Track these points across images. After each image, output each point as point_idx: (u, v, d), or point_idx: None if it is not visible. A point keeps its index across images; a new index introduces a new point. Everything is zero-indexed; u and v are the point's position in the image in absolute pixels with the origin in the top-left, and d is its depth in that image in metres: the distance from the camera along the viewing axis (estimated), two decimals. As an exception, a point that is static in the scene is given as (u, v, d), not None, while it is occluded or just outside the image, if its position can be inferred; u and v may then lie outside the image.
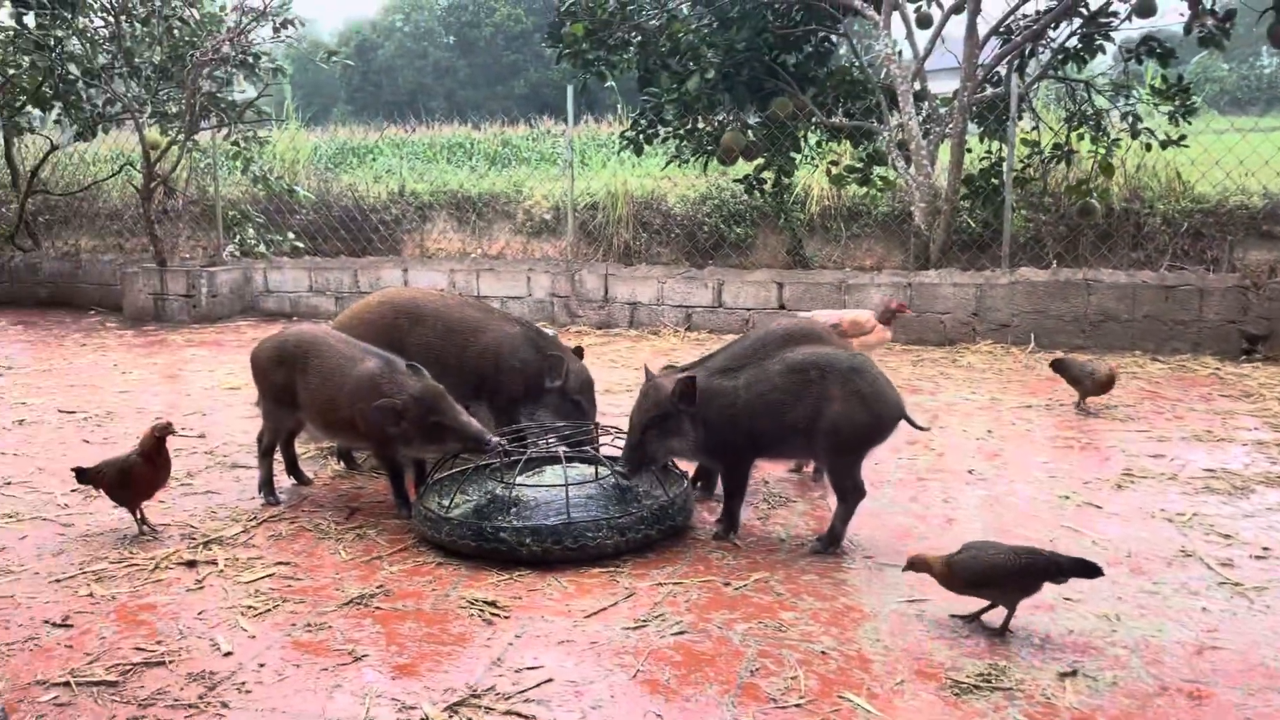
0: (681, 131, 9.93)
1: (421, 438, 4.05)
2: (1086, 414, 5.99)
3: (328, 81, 48.23)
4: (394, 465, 4.29)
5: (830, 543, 3.94)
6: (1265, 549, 3.89)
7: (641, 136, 9.99)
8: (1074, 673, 2.97)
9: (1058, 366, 6.12)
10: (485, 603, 3.46)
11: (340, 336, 4.45)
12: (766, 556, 3.90)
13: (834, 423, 3.81)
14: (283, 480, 4.78)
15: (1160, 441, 5.41)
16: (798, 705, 2.81)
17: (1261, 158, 8.69)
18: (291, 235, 11.24)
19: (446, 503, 4.09)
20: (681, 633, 3.25)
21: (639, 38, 9.54)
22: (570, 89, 9.68)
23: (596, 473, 4.29)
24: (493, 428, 4.66)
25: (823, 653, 3.12)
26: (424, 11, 53.37)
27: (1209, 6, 8.74)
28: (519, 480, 4.16)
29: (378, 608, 3.44)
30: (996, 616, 3.27)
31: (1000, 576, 3.19)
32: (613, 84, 11.01)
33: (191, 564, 3.83)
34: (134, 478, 4.03)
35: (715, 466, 4.26)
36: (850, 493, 3.93)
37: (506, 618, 3.36)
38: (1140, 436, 5.50)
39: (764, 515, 4.35)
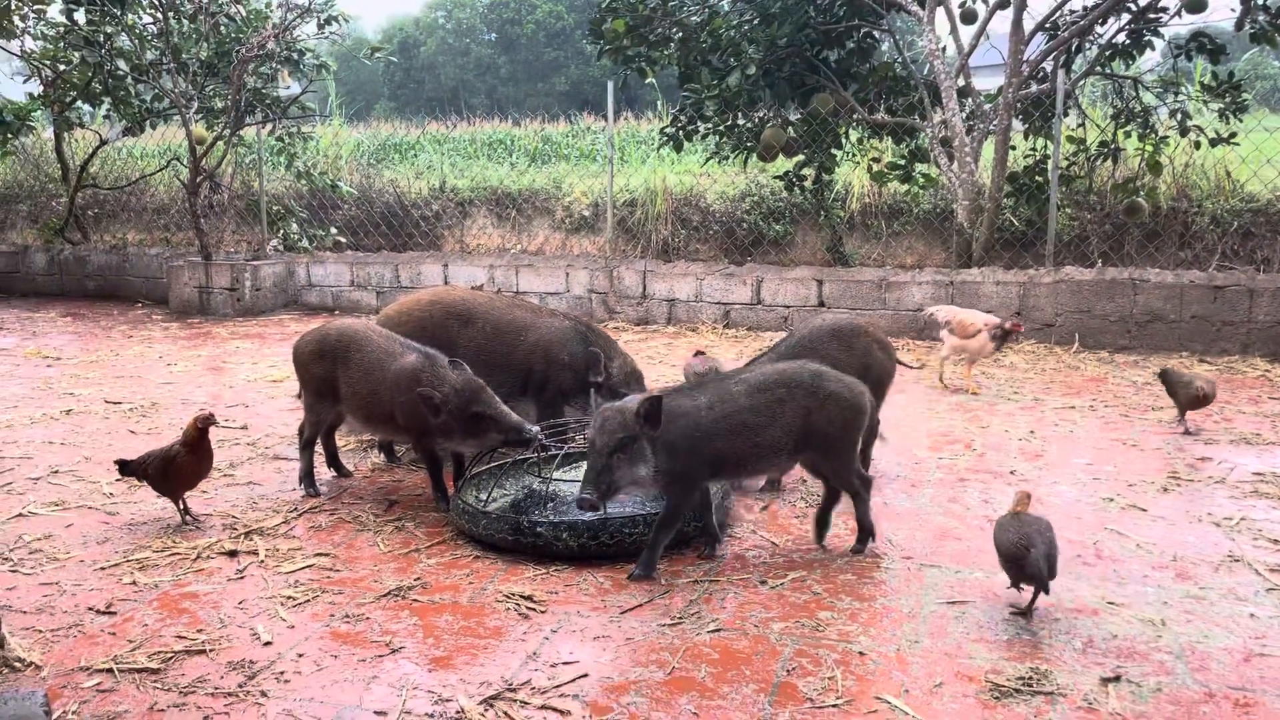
0: (721, 128, 9.89)
1: (462, 430, 4.07)
2: (1185, 432, 5.55)
3: (370, 78, 48.67)
4: (434, 458, 4.32)
5: (864, 539, 3.90)
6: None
7: (681, 133, 9.97)
8: (1117, 678, 2.92)
9: (1163, 377, 5.66)
10: (522, 597, 3.47)
11: (381, 331, 4.49)
12: (804, 556, 3.87)
13: (822, 431, 3.72)
14: (323, 472, 4.83)
15: (1208, 444, 5.30)
16: (835, 706, 2.79)
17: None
18: (334, 230, 11.37)
19: (484, 497, 4.11)
20: (718, 630, 3.24)
21: (680, 34, 9.52)
22: (610, 85, 9.68)
23: (633, 469, 4.27)
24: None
25: (860, 653, 3.09)
26: (466, 9, 53.64)
27: (1262, 2, 8.55)
28: (556, 475, 4.17)
29: (415, 600, 3.46)
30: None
31: None
32: (653, 80, 10.99)
33: (233, 554, 3.88)
34: (177, 468, 4.09)
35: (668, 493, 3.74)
36: (859, 486, 3.88)
37: (543, 612, 3.37)
38: (1187, 439, 5.39)
39: (802, 514, 4.32)
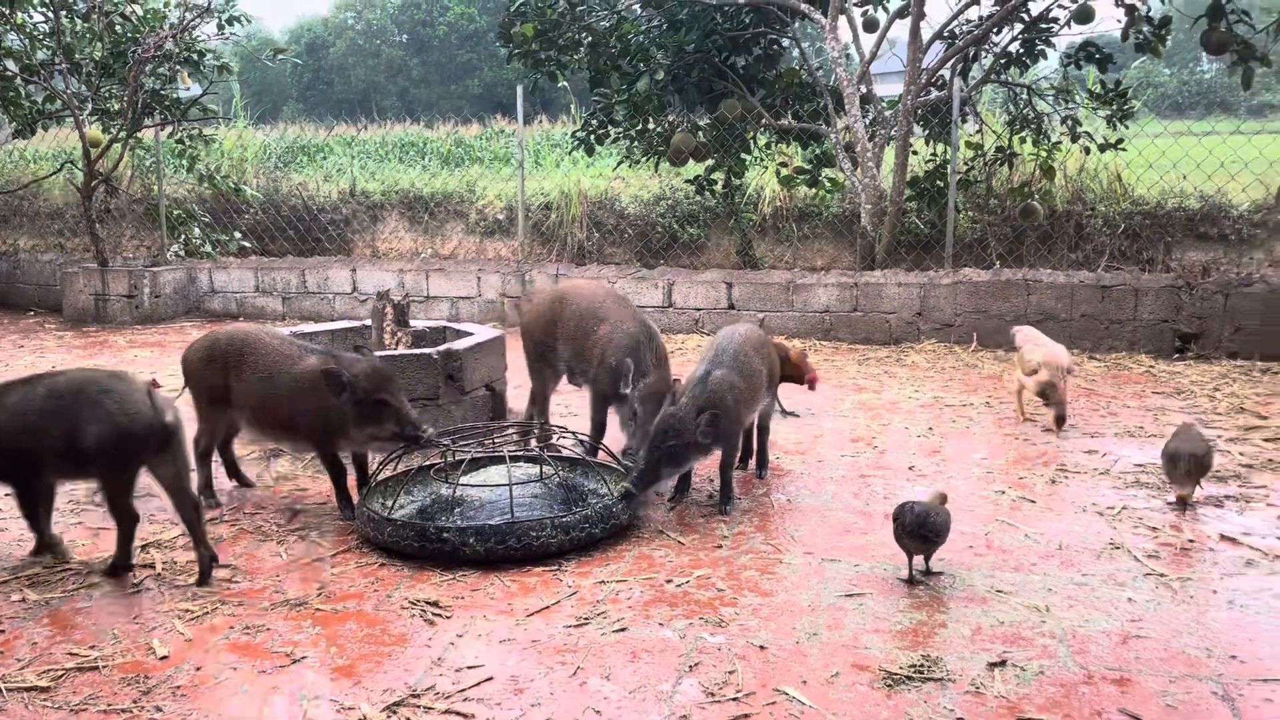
0: (632, 132, 9.97)
1: (362, 416, 4.03)
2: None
3: (278, 79, 47.62)
4: (336, 465, 4.28)
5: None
6: (1190, 540, 4.01)
7: (593, 137, 10.02)
8: (1003, 663, 3.05)
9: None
10: (427, 603, 3.47)
11: (277, 334, 4.43)
12: (710, 554, 3.94)
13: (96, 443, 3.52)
14: (226, 483, 4.74)
15: (1094, 438, 5.55)
16: (734, 699, 2.86)
17: (1194, 161, 8.92)
18: (238, 235, 11.12)
19: (390, 503, 4.09)
20: (623, 630, 3.29)
21: (589, 38, 9.56)
22: (520, 89, 9.68)
23: (541, 472, 4.30)
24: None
25: (761, 647, 3.17)
26: (377, 9, 52.90)
27: (1145, 13, 8.96)
28: (463, 480, 4.17)
29: (318, 609, 3.43)
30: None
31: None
32: (565, 84, 11.03)
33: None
34: None
35: None
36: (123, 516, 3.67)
37: (448, 618, 3.37)
38: (1075, 433, 5.63)
39: (708, 514, 4.40)
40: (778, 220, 11.09)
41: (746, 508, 4.49)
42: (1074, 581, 3.65)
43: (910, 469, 5.04)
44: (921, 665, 3.03)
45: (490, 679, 2.97)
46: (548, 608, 3.45)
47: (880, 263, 8.94)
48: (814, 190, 10.38)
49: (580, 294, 5.08)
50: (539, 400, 5.39)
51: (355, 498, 4.28)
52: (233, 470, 4.74)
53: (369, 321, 5.87)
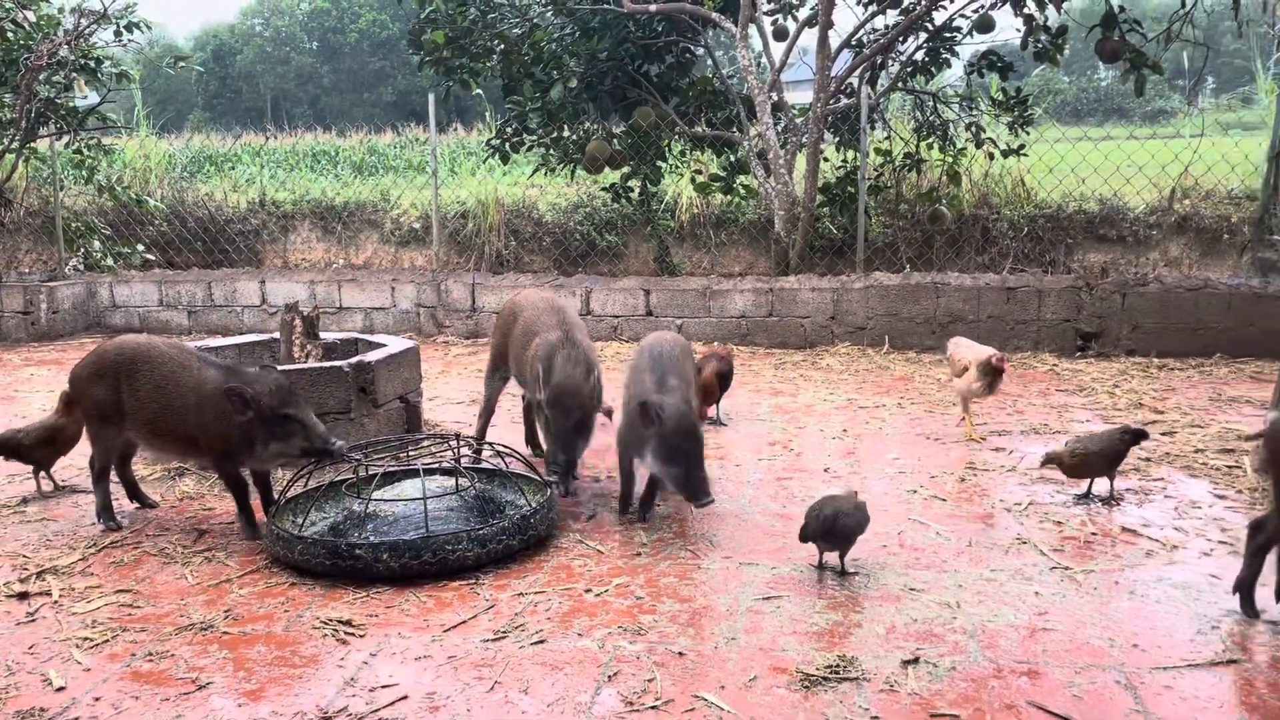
0: (547, 140, 9.94)
1: (267, 433, 3.94)
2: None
3: (182, 87, 46.32)
4: (238, 482, 4.15)
5: None
6: (1093, 534, 4.14)
7: (507, 145, 9.97)
8: (916, 660, 3.10)
9: None
10: (340, 622, 3.39)
11: (174, 344, 4.29)
12: (629, 561, 3.93)
13: None
14: (127, 505, 4.57)
15: (1001, 435, 5.69)
16: (653, 708, 2.85)
17: (1091, 165, 9.25)
18: (141, 248, 10.77)
19: (301, 521, 3.99)
20: (541, 642, 3.25)
21: (501, 46, 9.51)
22: (432, 97, 9.57)
23: (457, 485, 4.24)
24: None
25: (680, 653, 3.17)
26: (285, 16, 51.85)
27: (1043, 23, 9.25)
28: (376, 496, 4.09)
29: (225, 633, 3.32)
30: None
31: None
32: (480, 92, 10.96)
33: (23, 596, 3.62)
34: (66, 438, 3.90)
35: None
36: None
37: (362, 636, 3.30)
38: (983, 430, 5.77)
39: (626, 522, 4.39)
40: (695, 227, 11.18)
41: (666, 514, 4.50)
42: (983, 577, 3.74)
43: (826, 470, 5.11)
44: (837, 666, 3.06)
45: (405, 697, 2.91)
46: (465, 622, 3.40)
47: (794, 268, 9.06)
48: (729, 197, 10.49)
49: (526, 305, 5.03)
50: (484, 411, 5.42)
51: (261, 516, 4.17)
52: (133, 491, 4.57)
53: (278, 335, 5.73)
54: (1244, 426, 5.70)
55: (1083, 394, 6.66)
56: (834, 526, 3.65)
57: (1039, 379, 7.17)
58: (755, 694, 2.92)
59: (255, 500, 4.30)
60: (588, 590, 3.66)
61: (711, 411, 5.95)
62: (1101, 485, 4.62)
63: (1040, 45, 9.34)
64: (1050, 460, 4.54)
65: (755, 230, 10.71)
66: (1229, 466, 5.01)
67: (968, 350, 5.65)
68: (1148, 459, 5.17)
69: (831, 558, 3.81)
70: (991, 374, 5.39)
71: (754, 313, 8.55)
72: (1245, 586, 3.39)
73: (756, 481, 4.96)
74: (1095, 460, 4.45)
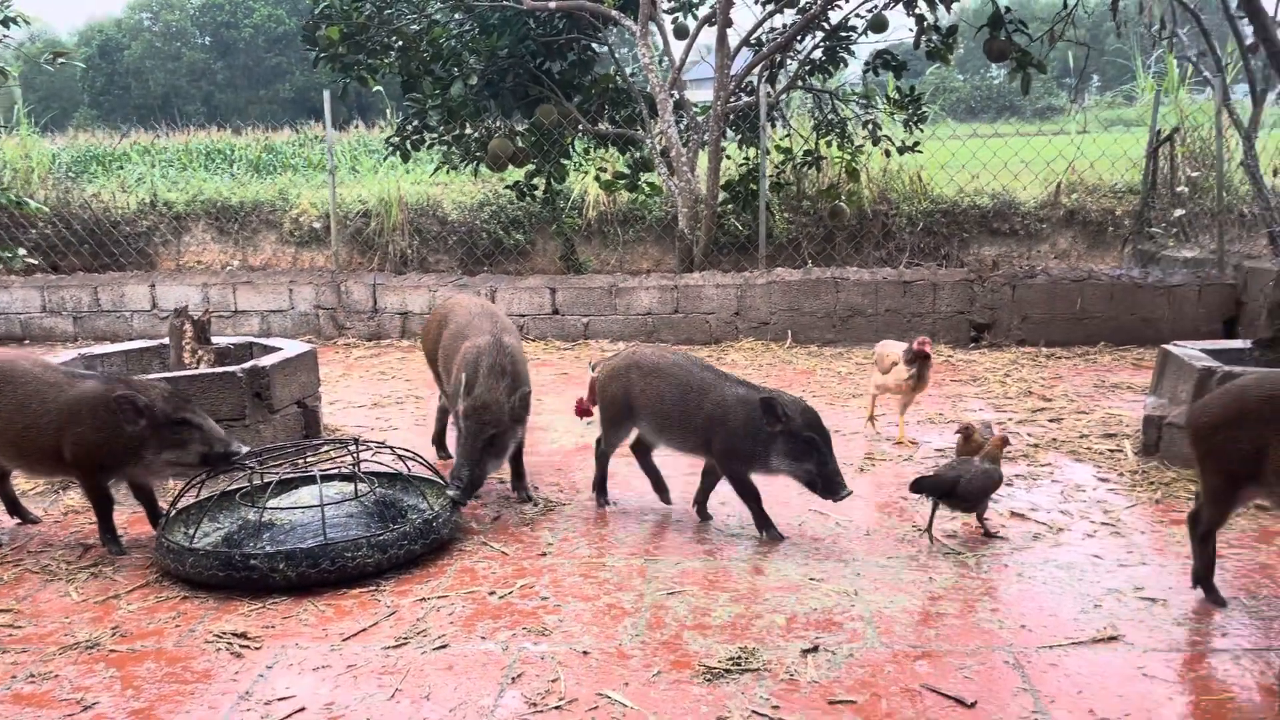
0: (449, 138, 9.83)
1: (161, 441, 3.81)
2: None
3: (67, 84, 44.43)
4: (103, 496, 4.01)
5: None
6: (984, 519, 4.27)
7: (408, 143, 9.82)
8: (816, 648, 3.16)
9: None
10: (234, 635, 3.30)
11: (38, 361, 4.12)
12: (534, 562, 3.92)
13: None
14: (7, 521, 4.37)
15: (898, 426, 5.83)
16: (557, 708, 2.85)
17: (981, 161, 9.54)
18: (23, 251, 10.27)
19: (192, 532, 3.87)
20: (444, 646, 3.22)
21: (399, 42, 9.36)
22: (327, 94, 9.38)
23: (356, 490, 4.17)
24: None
25: (584, 652, 3.17)
26: (175, 10, 50.11)
27: (933, 24, 9.50)
28: (272, 504, 3.99)
29: (112, 651, 3.21)
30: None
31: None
32: (380, 88, 10.77)
33: (-109, 622, 3.44)
34: None
35: None
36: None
37: (258, 648, 3.22)
38: (881, 421, 5.91)
39: (531, 521, 4.37)
40: (603, 225, 11.19)
41: (571, 513, 4.50)
42: (881, 565, 3.83)
43: (730, 465, 5.16)
44: (739, 658, 3.10)
45: (302, 709, 2.86)
46: (365, 630, 3.34)
47: (698, 265, 9.14)
48: (634, 194, 10.53)
49: (456, 310, 4.92)
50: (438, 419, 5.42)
51: (146, 530, 4.04)
52: (13, 506, 4.37)
53: (168, 340, 5.54)
54: (1125, 412, 5.95)
55: (976, 384, 6.87)
56: (955, 490, 3.93)
57: (935, 370, 7.32)
58: (659, 689, 2.94)
59: (139, 514, 4.16)
60: (492, 593, 3.63)
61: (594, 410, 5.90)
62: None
63: (932, 44, 9.58)
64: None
65: (662, 228, 10.76)
66: (1111, 451, 5.23)
67: (895, 348, 5.58)
68: (1035, 445, 5.36)
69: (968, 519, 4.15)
70: (917, 360, 5.29)
71: (660, 310, 8.59)
72: (1202, 578, 3.50)
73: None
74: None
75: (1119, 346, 7.92)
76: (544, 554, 4.00)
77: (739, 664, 3.07)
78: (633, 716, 2.80)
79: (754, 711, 2.80)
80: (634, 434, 4.52)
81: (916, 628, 3.31)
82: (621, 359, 4.49)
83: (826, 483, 3.95)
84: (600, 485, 4.60)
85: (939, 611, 3.43)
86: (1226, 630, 3.29)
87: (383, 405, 6.49)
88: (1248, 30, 6.96)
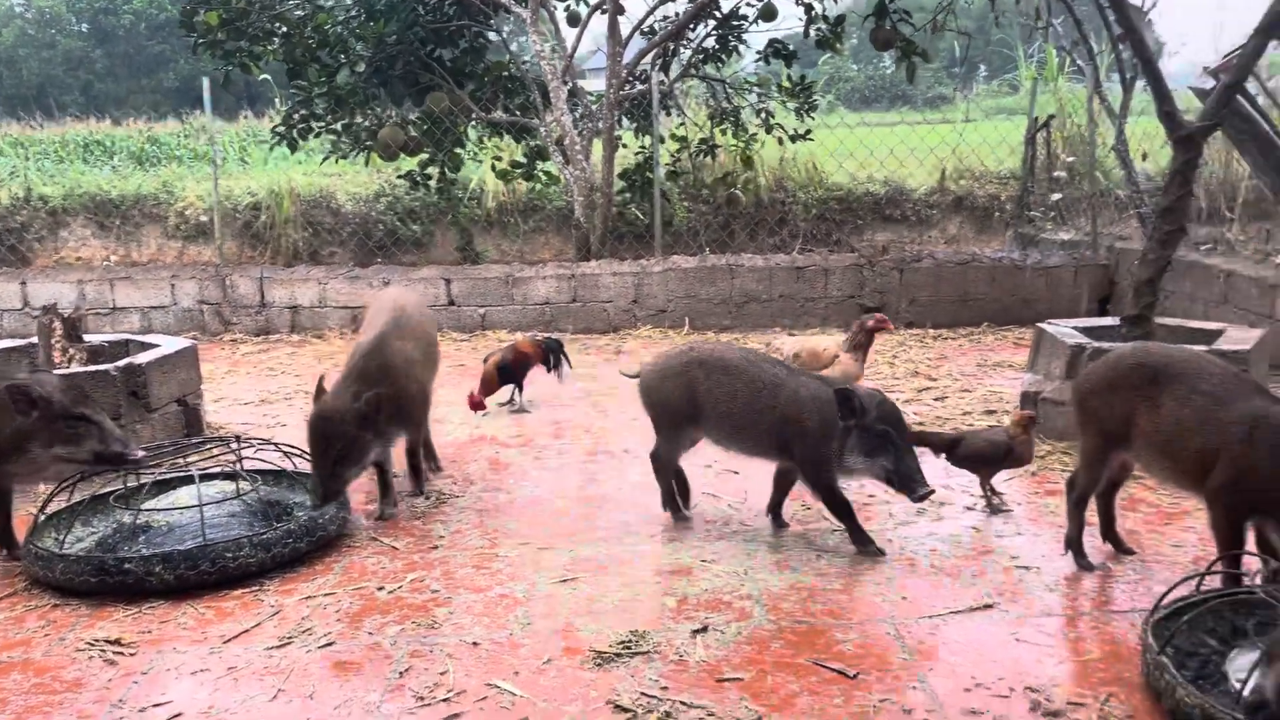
0: (337, 126, 9.60)
1: (53, 435, 3.61)
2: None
3: (-71, 72, 41.97)
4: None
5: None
6: (870, 495, 4.37)
7: (294, 132, 9.56)
8: (705, 629, 3.20)
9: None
10: (108, 642, 3.18)
11: None
12: (425, 556, 3.87)
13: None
14: None
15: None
16: (445, 700, 2.82)
17: (868, 149, 9.76)
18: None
19: (64, 538, 3.71)
20: (329, 644, 3.16)
21: (283, 29, 9.09)
22: (207, 81, 9.06)
23: (238, 489, 4.05)
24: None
25: (474, 643, 3.15)
26: (49, -6, 47.70)
27: (822, 13, 9.65)
28: (149, 505, 3.85)
29: (-27, 665, 3.06)
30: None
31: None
32: (268, 76, 10.45)
33: None
34: None
35: None
36: None
37: (133, 655, 3.11)
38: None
39: (422, 515, 4.32)
40: (504, 215, 11.09)
41: (465, 505, 4.45)
42: (771, 545, 3.90)
43: (625, 451, 5.18)
44: (630, 641, 3.12)
45: (179, 715, 2.77)
46: (247, 631, 3.26)
47: (596, 253, 9.13)
48: (532, 183, 10.46)
49: (372, 307, 4.77)
50: None
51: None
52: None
53: (37, 339, 5.29)
54: (1006, 389, 6.16)
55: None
56: (962, 456, 4.20)
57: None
58: (549, 676, 2.94)
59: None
60: (380, 588, 3.57)
61: (489, 402, 5.87)
62: None
63: (821, 33, 9.73)
64: None
65: (563, 218, 10.70)
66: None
67: (819, 343, 5.52)
68: (922, 424, 5.51)
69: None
70: (866, 339, 5.27)
71: (558, 299, 8.56)
72: (1074, 543, 3.64)
73: (557, 467, 4.97)
74: None
75: (1001, 326, 8.19)
76: (435, 547, 3.96)
77: (629, 648, 3.08)
78: (522, 705, 2.80)
79: (643, 693, 2.82)
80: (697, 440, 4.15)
81: (804, 604, 3.37)
82: (679, 357, 4.10)
83: (903, 480, 3.62)
84: (672, 499, 4.18)
85: (826, 587, 3.50)
86: (1095, 595, 3.45)
87: (271, 402, 6.32)
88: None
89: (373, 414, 3.99)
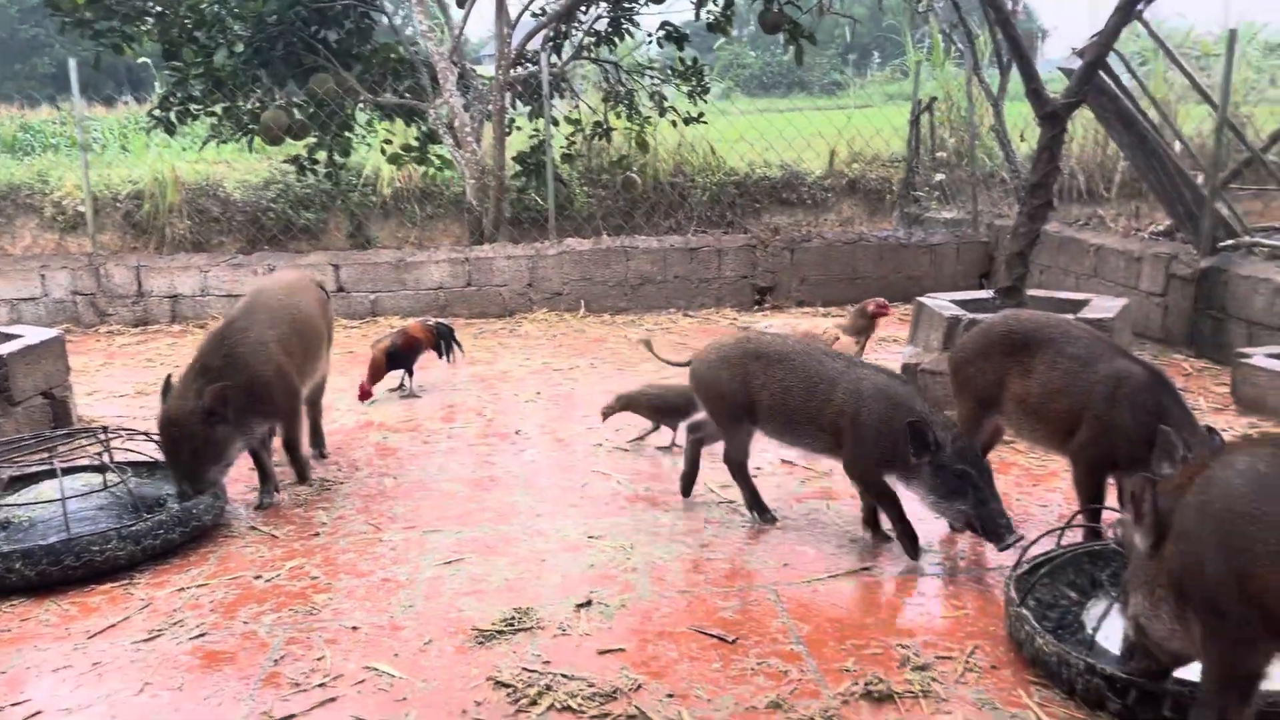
0: (217, 109, 9.28)
1: None
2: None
3: None
4: None
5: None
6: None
7: (172, 115, 9.20)
8: (589, 602, 3.21)
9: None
10: (-39, 643, 3.03)
11: None
12: (305, 543, 3.79)
13: None
14: None
15: (684, 386, 5.98)
16: (321, 685, 2.77)
17: (762, 134, 9.88)
18: None
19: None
20: (201, 635, 3.07)
21: (157, 8, 8.74)
22: (73, 62, 8.66)
23: (105, 481, 3.89)
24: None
25: (354, 628, 3.10)
26: (-93, -27, 44.89)
27: (712, -5, 9.71)
28: (8, 501, 3.68)
29: None
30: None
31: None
32: (148, 60, 10.03)
33: None
34: None
35: None
36: None
37: (-11, 655, 2.97)
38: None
39: (304, 502, 4.22)
40: (400, 201, 10.89)
41: (349, 492, 4.36)
42: (658, 519, 3.92)
43: (517, 434, 5.15)
44: (513, 618, 3.11)
45: (38, 714, 2.66)
46: (114, 625, 3.14)
47: (490, 237, 9.03)
48: (424, 168, 10.28)
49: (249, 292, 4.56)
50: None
51: None
52: None
53: (-114, 333, 5.00)
54: (890, 363, 6.30)
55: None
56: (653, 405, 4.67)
57: (720, 332, 7.58)
58: (429, 657, 2.91)
59: None
60: (258, 577, 3.48)
61: (377, 389, 5.76)
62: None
63: (712, 17, 9.79)
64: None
65: (460, 203, 10.55)
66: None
67: (814, 324, 5.46)
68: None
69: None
70: (867, 324, 5.26)
71: (452, 284, 8.44)
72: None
73: (446, 450, 4.91)
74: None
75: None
76: (317, 534, 3.87)
77: (512, 624, 3.07)
78: (401, 685, 2.76)
79: (524, 668, 2.81)
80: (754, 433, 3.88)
81: (687, 575, 3.41)
82: (733, 348, 3.85)
83: (988, 528, 3.24)
84: (756, 499, 3.89)
85: (709, 558, 3.54)
86: (967, 555, 3.57)
87: (147, 394, 6.08)
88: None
89: (219, 408, 3.84)
